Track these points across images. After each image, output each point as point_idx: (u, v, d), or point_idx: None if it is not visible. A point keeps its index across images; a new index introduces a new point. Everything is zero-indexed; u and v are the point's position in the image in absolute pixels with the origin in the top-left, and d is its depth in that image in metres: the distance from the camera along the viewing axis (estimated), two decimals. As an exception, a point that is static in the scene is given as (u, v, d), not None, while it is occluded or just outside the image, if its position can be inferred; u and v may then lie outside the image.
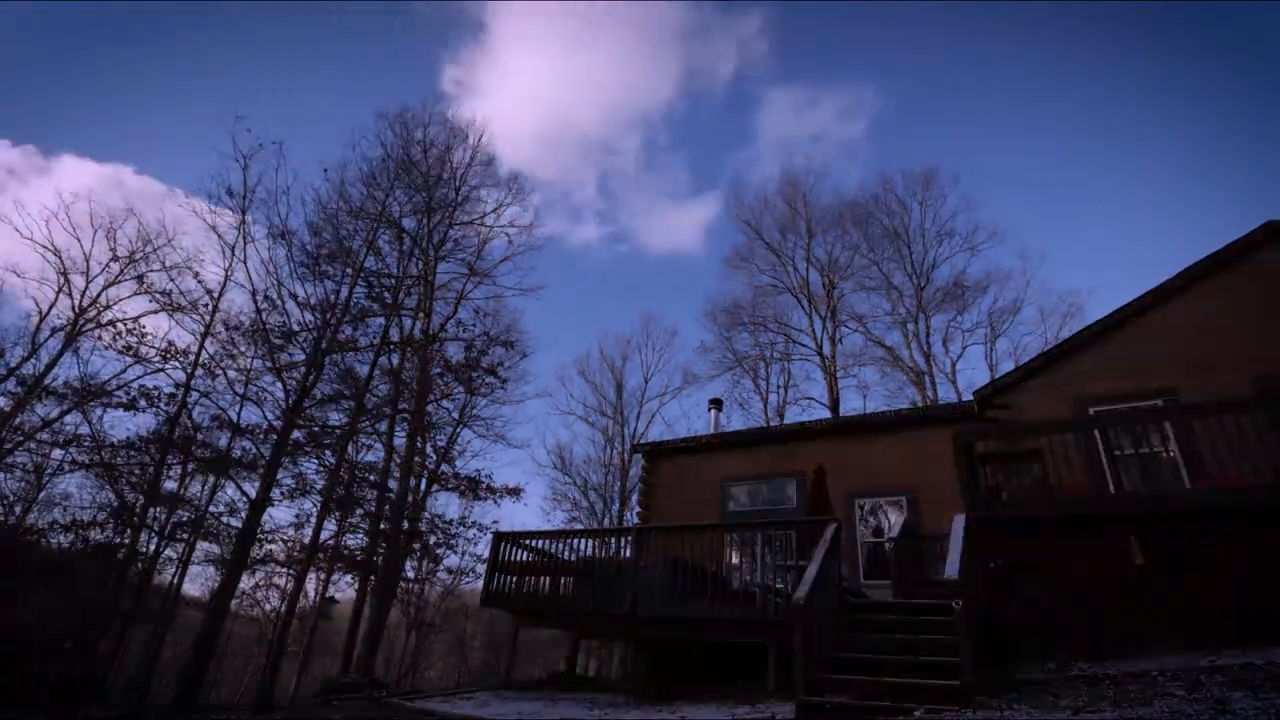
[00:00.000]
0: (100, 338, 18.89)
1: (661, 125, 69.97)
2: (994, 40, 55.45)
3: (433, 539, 23.14)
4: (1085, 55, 51.89)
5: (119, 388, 19.08)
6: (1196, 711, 3.99)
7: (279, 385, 17.26)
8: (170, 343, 18.81)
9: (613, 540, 10.02)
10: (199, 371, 19.18)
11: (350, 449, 20.15)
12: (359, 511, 21.91)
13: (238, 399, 19.33)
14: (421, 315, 22.67)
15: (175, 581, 23.91)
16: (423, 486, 22.64)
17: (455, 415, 23.86)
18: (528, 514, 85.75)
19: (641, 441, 26.05)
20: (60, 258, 19.71)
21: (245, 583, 23.47)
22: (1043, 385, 9.90)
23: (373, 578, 21.05)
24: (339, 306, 18.15)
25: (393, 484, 21.70)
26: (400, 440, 21.94)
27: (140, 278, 19.26)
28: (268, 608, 28.29)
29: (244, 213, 18.07)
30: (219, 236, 17.98)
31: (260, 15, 56.12)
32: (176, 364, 18.93)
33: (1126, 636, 6.89)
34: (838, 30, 67.91)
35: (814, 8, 67.25)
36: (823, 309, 30.12)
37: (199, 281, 18.93)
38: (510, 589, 9.68)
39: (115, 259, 19.77)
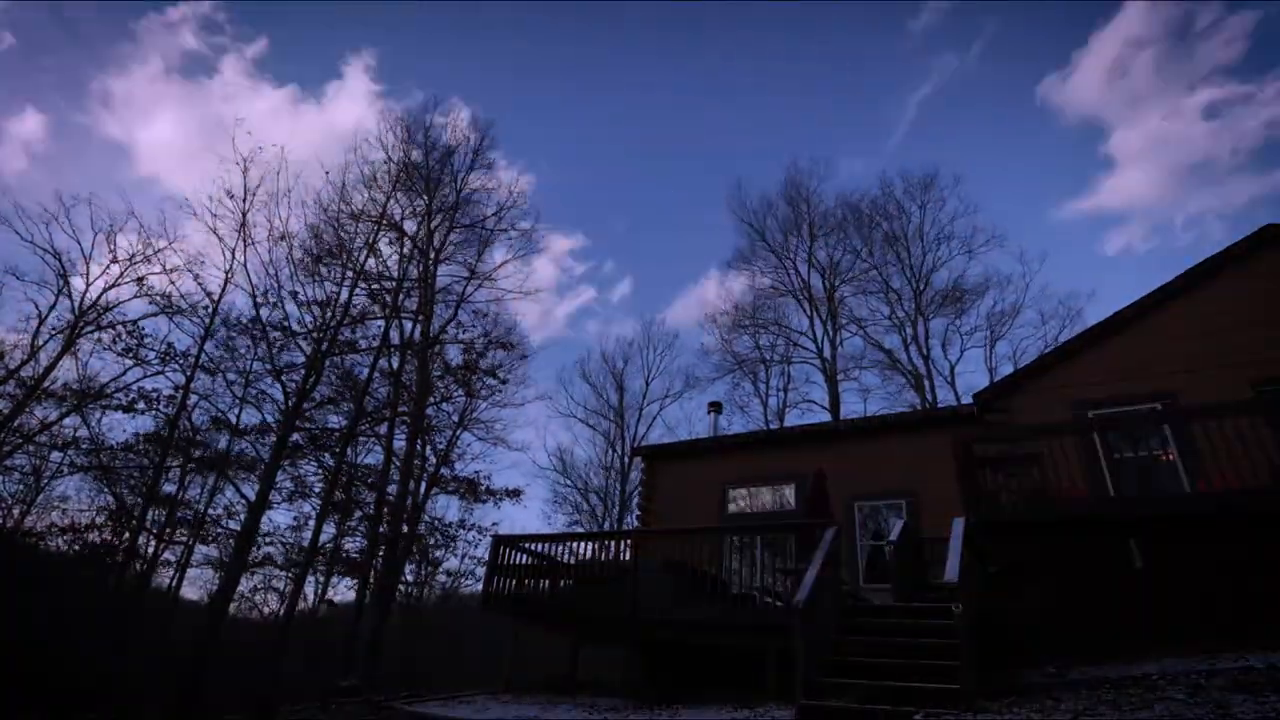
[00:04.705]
0: (100, 340, 18.91)
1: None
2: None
3: (432, 542, 23.13)
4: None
5: (118, 390, 19.10)
6: (1197, 715, 3.99)
7: (278, 388, 17.30)
8: (170, 345, 18.84)
9: (612, 544, 10.01)
10: (198, 374, 19.20)
11: (349, 451, 20.14)
12: (358, 514, 21.91)
13: (237, 401, 19.38)
14: (421, 318, 22.68)
15: (174, 584, 23.90)
16: (422, 489, 22.63)
17: (455, 418, 23.88)
18: (528, 517, 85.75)
19: (642, 445, 26.08)
20: (60, 260, 19.74)
21: (244, 585, 23.47)
22: (1042, 388, 9.91)
23: (371, 580, 21.02)
24: (339, 309, 18.17)
25: (392, 487, 21.69)
26: (400, 443, 21.96)
27: (140, 280, 19.26)
28: (266, 611, 28.27)
29: (244, 215, 18.11)
30: (219, 239, 18.04)
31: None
32: (176, 366, 18.95)
33: (1126, 640, 6.88)
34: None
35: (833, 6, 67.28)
36: (823, 312, 30.09)
37: (199, 284, 18.96)
38: (510, 592, 9.67)
39: (115, 261, 19.80)
